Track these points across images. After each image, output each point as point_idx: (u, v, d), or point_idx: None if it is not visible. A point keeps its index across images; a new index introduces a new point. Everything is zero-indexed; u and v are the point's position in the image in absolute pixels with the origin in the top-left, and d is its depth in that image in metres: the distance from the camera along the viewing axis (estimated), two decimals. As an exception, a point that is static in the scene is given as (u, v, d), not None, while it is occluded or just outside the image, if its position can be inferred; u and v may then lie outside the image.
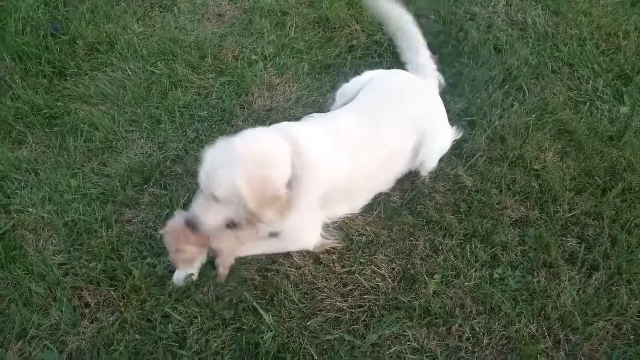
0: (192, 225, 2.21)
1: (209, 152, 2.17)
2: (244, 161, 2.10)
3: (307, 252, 2.49)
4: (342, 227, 2.60)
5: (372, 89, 2.69)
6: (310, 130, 2.40)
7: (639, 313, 2.34)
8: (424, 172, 2.75)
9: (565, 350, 2.24)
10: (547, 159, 2.87)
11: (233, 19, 3.78)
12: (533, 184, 2.75)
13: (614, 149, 2.93)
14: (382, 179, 2.67)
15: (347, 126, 2.46)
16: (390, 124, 2.53)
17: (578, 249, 2.53)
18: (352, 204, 2.63)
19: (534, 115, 3.07)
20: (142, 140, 3.03)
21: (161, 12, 3.84)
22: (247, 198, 2.07)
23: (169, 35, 3.62)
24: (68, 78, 3.41)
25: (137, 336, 2.24)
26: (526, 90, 3.23)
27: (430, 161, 2.72)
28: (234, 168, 2.07)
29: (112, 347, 2.21)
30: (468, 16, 3.75)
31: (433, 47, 3.48)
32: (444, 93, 3.22)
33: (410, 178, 2.78)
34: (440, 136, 2.73)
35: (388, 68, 3.39)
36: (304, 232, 2.47)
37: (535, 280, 2.42)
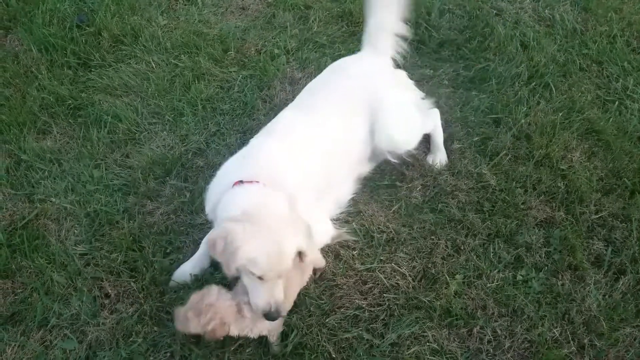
0: (272, 315, 2.01)
1: (215, 235, 2.03)
2: (266, 229, 1.98)
3: (328, 247, 2.46)
4: (363, 223, 2.57)
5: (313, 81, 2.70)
6: (277, 165, 2.31)
7: (668, 320, 2.27)
8: (401, 150, 2.67)
9: (589, 356, 2.18)
10: (574, 158, 2.80)
11: (256, 13, 3.78)
12: (559, 184, 2.69)
13: (643, 150, 2.84)
14: (345, 167, 2.58)
15: (287, 127, 2.45)
16: (328, 112, 2.49)
17: (605, 252, 2.46)
18: (334, 200, 2.58)
19: (560, 114, 3.00)
20: (164, 132, 3.05)
21: (185, 5, 3.86)
22: (291, 257, 2.00)
23: (193, 28, 3.63)
24: (93, 69, 3.44)
25: (155, 328, 2.25)
26: (553, 88, 3.16)
27: (396, 136, 2.61)
28: (265, 239, 1.96)
29: (131, 339, 2.22)
30: (494, 12, 3.68)
31: (457, 42, 3.46)
32: (468, 89, 3.18)
33: (432, 175, 2.74)
34: (394, 109, 2.60)
35: (412, 64, 3.38)
36: (316, 226, 2.37)
37: (559, 283, 2.36)
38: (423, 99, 2.86)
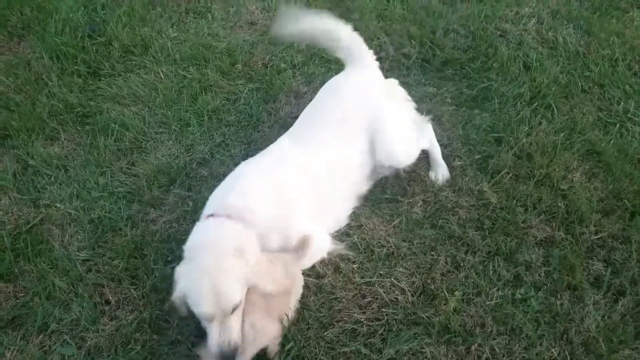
0: (226, 355, 1.95)
1: (180, 276, 2.04)
2: (202, 266, 1.99)
3: (328, 260, 2.48)
4: (364, 237, 2.59)
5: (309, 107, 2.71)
6: (248, 187, 2.32)
7: (666, 343, 2.26)
8: (402, 164, 2.71)
9: (587, 376, 2.18)
10: (574, 179, 2.82)
11: (264, 28, 3.85)
12: (559, 204, 2.70)
13: (644, 172, 2.86)
14: (344, 189, 2.61)
15: (280, 158, 2.46)
16: (325, 140, 2.51)
17: (604, 273, 2.47)
18: (333, 218, 2.59)
19: (562, 135, 3.02)
20: (170, 142, 3.09)
21: (195, 18, 3.93)
22: (234, 294, 1.97)
23: (202, 41, 3.70)
24: (102, 78, 3.51)
25: (154, 336, 2.26)
26: (555, 109, 3.19)
27: (396, 150, 2.63)
28: (199, 277, 1.95)
29: (130, 346, 2.24)
30: (498, 33, 3.73)
31: (461, 62, 3.51)
32: (471, 108, 3.22)
33: (433, 190, 2.76)
34: (391, 124, 2.63)
35: (416, 82, 3.43)
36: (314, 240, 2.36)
37: (558, 302, 2.36)
38: (416, 109, 2.90)
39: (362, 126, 2.59)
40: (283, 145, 2.55)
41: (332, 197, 2.54)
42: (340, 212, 2.65)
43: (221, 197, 2.30)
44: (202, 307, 1.93)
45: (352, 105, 2.63)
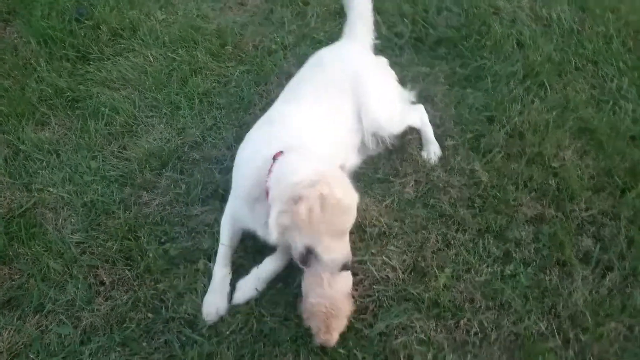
0: (348, 265, 2.13)
1: (304, 205, 1.97)
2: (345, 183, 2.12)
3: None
4: (356, 217, 2.59)
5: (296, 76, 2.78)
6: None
7: (652, 316, 2.30)
8: (385, 132, 2.73)
9: (574, 349, 2.20)
10: (566, 157, 2.83)
11: (255, 8, 3.81)
12: (550, 182, 2.72)
13: (636, 149, 2.86)
14: (342, 153, 2.61)
15: (283, 115, 2.51)
16: (317, 100, 2.55)
17: (593, 249, 2.49)
18: None
19: (554, 113, 3.02)
20: (161, 125, 3.09)
21: (184, -1, 3.89)
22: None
23: (191, 23, 3.67)
24: (91, 62, 3.48)
25: (149, 315, 2.29)
26: (548, 87, 3.18)
27: (378, 116, 2.66)
28: (348, 191, 2.10)
29: (125, 325, 2.27)
30: (492, 10, 3.70)
31: (454, 40, 3.49)
32: (464, 87, 3.21)
33: (425, 170, 2.77)
34: (375, 90, 2.67)
35: (409, 61, 3.41)
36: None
37: (547, 278, 2.39)
38: (409, 91, 2.95)
39: (349, 93, 2.61)
40: (278, 108, 2.59)
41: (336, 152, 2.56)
42: None
43: (272, 138, 2.32)
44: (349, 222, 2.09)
45: (338, 72, 2.65)
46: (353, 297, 2.30)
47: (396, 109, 2.78)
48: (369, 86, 2.66)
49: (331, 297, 2.08)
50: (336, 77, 2.65)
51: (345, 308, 2.13)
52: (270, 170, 2.15)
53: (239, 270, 2.43)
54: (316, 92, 2.60)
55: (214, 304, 2.29)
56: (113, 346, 2.21)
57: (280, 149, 2.21)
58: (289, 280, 2.36)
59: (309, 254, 2.07)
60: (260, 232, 2.31)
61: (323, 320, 2.07)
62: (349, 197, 2.08)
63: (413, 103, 2.97)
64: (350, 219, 2.11)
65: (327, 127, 2.52)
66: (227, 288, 2.35)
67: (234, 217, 2.45)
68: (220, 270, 2.38)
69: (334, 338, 2.09)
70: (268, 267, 2.35)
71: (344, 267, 2.12)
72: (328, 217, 1.98)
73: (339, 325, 2.11)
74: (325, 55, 2.82)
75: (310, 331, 2.14)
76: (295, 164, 2.12)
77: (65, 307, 2.34)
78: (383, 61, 2.90)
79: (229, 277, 2.39)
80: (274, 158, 2.19)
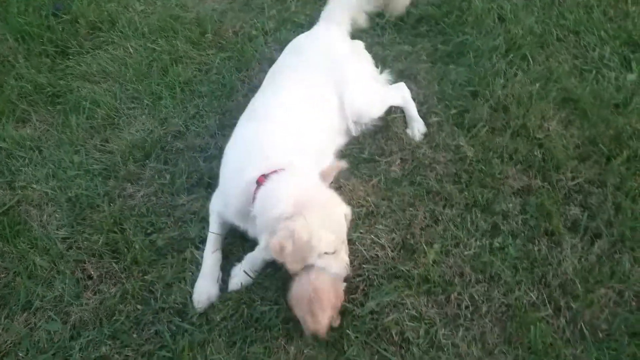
0: (350, 277, 2.21)
1: (280, 239, 1.98)
2: (322, 209, 2.08)
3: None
4: (343, 198, 2.57)
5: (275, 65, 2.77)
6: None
7: (641, 280, 2.30)
8: (364, 119, 2.74)
9: (566, 317, 2.21)
10: (550, 127, 2.82)
11: (233, -6, 3.76)
12: (536, 153, 2.71)
13: (619, 116, 2.86)
14: (326, 139, 2.62)
15: (266, 109, 2.48)
16: (296, 89, 2.54)
17: (581, 217, 2.49)
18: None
19: (538, 85, 3.01)
20: (143, 116, 3.06)
21: (161, -11, 3.84)
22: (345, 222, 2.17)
23: (170, 13, 3.63)
24: (70, 57, 3.44)
25: (138, 306, 2.28)
26: (530, 60, 3.17)
27: (357, 104, 2.66)
28: (326, 219, 2.07)
29: (114, 318, 2.25)
30: (472, -16, 3.66)
31: (436, 17, 3.46)
32: (446, 63, 3.19)
33: (410, 148, 2.76)
34: (353, 78, 2.67)
35: (391, 41, 3.39)
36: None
37: (536, 248, 2.39)
38: (387, 72, 2.96)
39: (329, 79, 2.60)
40: (260, 100, 2.57)
41: (320, 141, 2.56)
42: (322, 160, 2.62)
43: (253, 159, 2.26)
44: (335, 241, 2.08)
45: (317, 58, 2.65)
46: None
47: (375, 93, 2.79)
48: (347, 75, 2.66)
49: (315, 287, 2.05)
50: (316, 65, 2.64)
51: (330, 298, 2.06)
52: (254, 197, 2.14)
53: (229, 257, 2.43)
54: (299, 82, 2.58)
55: (205, 289, 2.28)
56: (103, 339, 2.19)
57: (263, 169, 2.16)
58: (278, 264, 2.34)
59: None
60: (250, 234, 2.33)
61: (307, 309, 2.04)
62: (323, 231, 2.03)
63: (395, 82, 2.96)
64: (330, 246, 2.07)
65: (313, 118, 2.51)
66: (218, 273, 2.35)
67: (223, 215, 2.42)
68: (211, 256, 2.37)
69: (323, 327, 2.04)
70: (260, 254, 2.34)
71: (346, 279, 2.16)
72: (298, 254, 2.00)
73: (325, 312, 2.04)
74: (304, 42, 2.81)
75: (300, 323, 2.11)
76: (276, 195, 2.07)
77: (53, 303, 2.32)
78: (359, 45, 2.89)
79: (219, 262, 2.38)
80: (258, 182, 2.15)
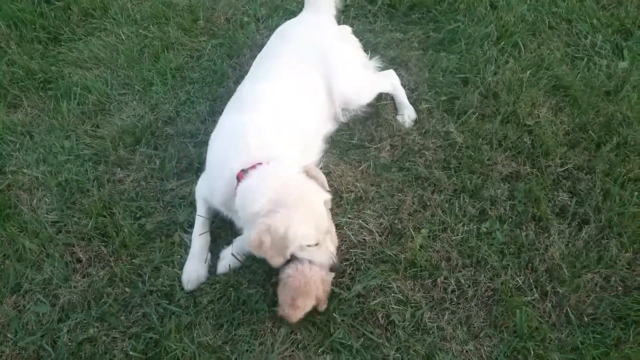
0: (336, 266, 2.19)
1: (258, 234, 2.00)
2: (299, 203, 2.07)
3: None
4: (332, 183, 2.59)
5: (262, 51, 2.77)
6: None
7: (628, 265, 2.31)
8: (353, 105, 2.75)
9: (552, 301, 2.23)
10: (540, 114, 2.82)
11: (226, -18, 3.74)
12: (525, 140, 2.71)
13: (610, 103, 2.86)
14: (314, 125, 2.62)
15: (254, 97, 2.46)
16: (285, 75, 2.54)
17: (569, 203, 2.50)
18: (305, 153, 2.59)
19: (529, 72, 3.01)
20: (134, 102, 3.05)
21: (154, -24, 3.81)
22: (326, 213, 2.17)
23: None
24: (63, 43, 3.43)
25: (126, 289, 2.29)
26: (522, 47, 3.17)
27: (345, 90, 2.66)
28: (304, 212, 2.05)
29: (102, 300, 2.26)
30: (465, -27, 3.65)
31: (428, 5, 3.45)
32: (438, 51, 3.19)
33: (400, 135, 2.76)
34: (341, 64, 2.67)
35: (383, 28, 3.38)
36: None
37: (523, 234, 2.40)
38: (377, 58, 2.97)
39: (317, 66, 2.60)
40: (247, 87, 2.56)
41: (307, 129, 2.55)
42: (312, 152, 2.64)
43: (237, 153, 2.24)
44: (315, 234, 2.07)
45: (304, 45, 2.63)
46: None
47: (364, 80, 2.79)
48: (335, 62, 2.65)
49: (306, 276, 2.07)
50: (304, 52, 2.63)
51: (317, 290, 2.09)
52: (235, 192, 2.15)
53: (217, 241, 2.44)
54: (285, 69, 2.57)
55: (194, 269, 2.30)
56: (91, 322, 2.21)
57: (244, 163, 2.16)
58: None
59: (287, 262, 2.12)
60: (236, 224, 2.33)
61: (292, 293, 2.06)
62: (301, 225, 2.03)
63: (385, 69, 2.96)
64: (310, 239, 2.08)
65: (300, 106, 2.50)
66: (207, 255, 2.36)
67: (209, 201, 2.43)
68: (199, 238, 2.38)
69: (296, 315, 2.07)
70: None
71: (332, 269, 2.16)
72: (276, 249, 2.01)
73: (306, 304, 2.08)
74: (291, 29, 2.79)
75: (278, 301, 2.13)
76: (254, 191, 2.08)
77: (42, 286, 2.34)
78: (346, 30, 2.89)
79: (208, 244, 2.39)
80: (238, 178, 2.16)
